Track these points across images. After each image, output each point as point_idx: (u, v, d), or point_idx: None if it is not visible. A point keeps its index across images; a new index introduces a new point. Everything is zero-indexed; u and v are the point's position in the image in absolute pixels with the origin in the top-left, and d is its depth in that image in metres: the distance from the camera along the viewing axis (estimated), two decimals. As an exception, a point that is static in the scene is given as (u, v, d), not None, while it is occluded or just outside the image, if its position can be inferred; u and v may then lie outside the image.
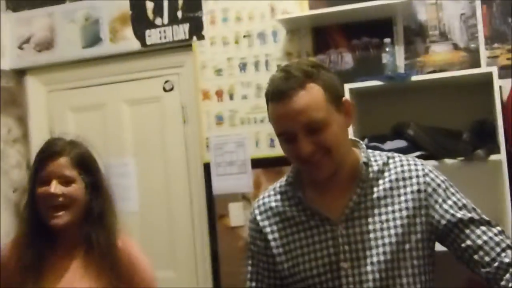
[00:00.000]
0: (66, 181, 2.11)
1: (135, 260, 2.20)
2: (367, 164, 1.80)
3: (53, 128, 4.35)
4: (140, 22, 4.11)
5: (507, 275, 1.66)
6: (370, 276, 1.73)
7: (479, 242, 1.71)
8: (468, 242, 1.71)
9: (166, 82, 4.14)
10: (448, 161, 3.17)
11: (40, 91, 4.38)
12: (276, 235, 1.86)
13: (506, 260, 1.67)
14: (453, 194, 1.78)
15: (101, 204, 2.17)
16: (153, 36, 4.09)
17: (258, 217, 1.91)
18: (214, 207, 3.95)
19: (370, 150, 1.87)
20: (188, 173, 4.09)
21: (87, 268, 2.13)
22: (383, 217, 1.76)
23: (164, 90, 4.14)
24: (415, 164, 1.82)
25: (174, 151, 4.13)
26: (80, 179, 2.14)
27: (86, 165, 2.18)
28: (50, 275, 2.13)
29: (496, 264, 1.68)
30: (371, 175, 1.80)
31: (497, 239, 1.71)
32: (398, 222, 1.74)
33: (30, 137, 4.34)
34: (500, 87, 3.32)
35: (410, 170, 1.80)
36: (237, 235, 3.89)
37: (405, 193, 1.77)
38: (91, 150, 2.24)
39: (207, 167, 3.97)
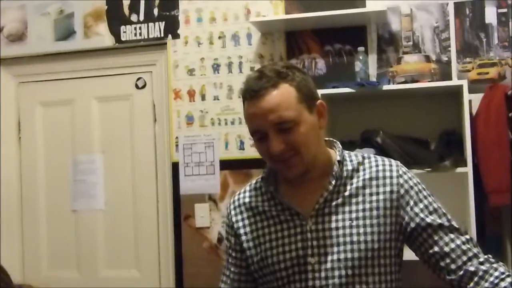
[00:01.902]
0: None
1: None
2: (341, 163, 1.81)
3: (22, 121, 4.30)
4: (115, 18, 4.08)
5: (471, 284, 1.68)
6: (336, 273, 1.74)
7: (447, 249, 1.72)
8: (436, 248, 1.73)
9: (138, 79, 4.12)
10: (415, 170, 3.18)
11: (10, 82, 4.32)
12: (248, 229, 1.89)
13: (471, 268, 1.69)
14: (425, 197, 1.79)
15: None
16: (128, 33, 4.07)
17: (232, 213, 1.95)
18: (180, 208, 3.93)
19: (347, 151, 1.89)
20: (156, 172, 4.07)
21: None
22: (353, 215, 1.77)
23: (137, 87, 4.12)
24: (390, 165, 1.83)
25: (143, 150, 4.10)
26: None
27: None
28: None
29: (461, 272, 1.70)
30: (345, 173, 1.81)
31: (464, 247, 1.73)
32: (368, 221, 1.76)
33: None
34: (470, 101, 3.36)
35: (384, 170, 1.81)
36: (202, 236, 3.88)
37: (377, 193, 1.78)
38: None
39: (175, 166, 3.95)
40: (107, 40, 4.10)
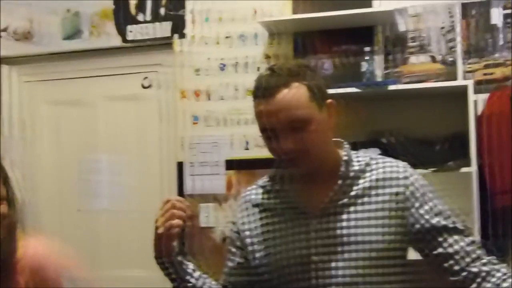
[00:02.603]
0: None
1: (37, 264, 2.15)
2: (348, 163, 1.82)
3: (27, 120, 4.31)
4: (122, 17, 4.10)
5: (474, 285, 1.69)
6: (340, 272, 1.74)
7: (450, 250, 1.72)
8: (440, 250, 1.73)
9: (145, 78, 4.13)
10: (420, 171, 3.18)
11: (15, 81, 4.34)
12: (253, 225, 1.89)
13: (474, 270, 1.70)
14: (430, 199, 1.79)
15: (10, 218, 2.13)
16: (134, 32, 4.08)
17: (238, 210, 1.96)
18: (185, 207, 3.93)
19: (354, 151, 1.89)
20: (161, 172, 4.08)
21: None
22: (359, 215, 1.77)
23: (143, 87, 4.13)
24: (397, 167, 1.83)
25: (148, 149, 4.11)
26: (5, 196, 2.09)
27: (8, 182, 2.13)
28: None
29: (464, 273, 1.70)
30: (352, 174, 1.81)
31: (468, 249, 1.73)
32: (373, 222, 1.76)
33: (1, 127, 4.28)
34: (475, 101, 3.37)
35: (391, 172, 1.81)
36: (206, 236, 3.88)
37: (384, 194, 1.78)
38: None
39: (180, 166, 3.96)
40: (114, 39, 4.11)
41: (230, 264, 1.96)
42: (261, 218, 1.88)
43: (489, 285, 1.67)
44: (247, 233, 1.90)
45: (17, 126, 4.27)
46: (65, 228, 4.21)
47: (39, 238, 2.18)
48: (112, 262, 4.15)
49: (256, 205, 1.91)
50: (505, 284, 1.66)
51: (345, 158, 1.82)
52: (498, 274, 1.68)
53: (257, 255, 1.86)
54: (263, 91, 1.73)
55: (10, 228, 2.08)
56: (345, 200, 1.79)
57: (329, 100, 1.80)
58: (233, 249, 1.95)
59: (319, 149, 1.75)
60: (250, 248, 1.88)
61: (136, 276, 4.06)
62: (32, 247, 2.12)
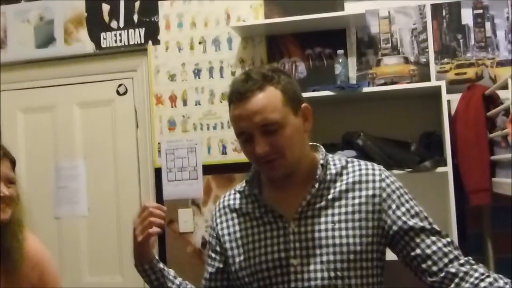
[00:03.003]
0: (10, 182, 2.16)
1: (40, 260, 2.25)
2: (324, 166, 1.84)
3: (3, 128, 4.28)
4: (95, 24, 4.09)
5: (452, 285, 1.71)
6: (319, 274, 1.75)
7: (428, 251, 1.75)
8: (418, 251, 1.76)
9: (120, 85, 4.12)
10: (396, 171, 3.22)
11: (-10, 90, 4.31)
12: (231, 229, 1.91)
13: (452, 270, 1.72)
14: (407, 201, 1.81)
15: (18, 211, 2.21)
16: (108, 39, 4.07)
17: (216, 214, 1.97)
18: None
19: (330, 155, 1.91)
20: (139, 178, 4.08)
21: None
22: (336, 218, 1.79)
23: (118, 93, 4.12)
24: (373, 169, 1.86)
25: (125, 155, 4.10)
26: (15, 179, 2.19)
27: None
28: None
29: (442, 274, 1.72)
30: (328, 177, 1.83)
31: (445, 250, 1.75)
32: (350, 224, 1.78)
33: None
34: (449, 101, 3.41)
35: (367, 174, 1.84)
36: (186, 241, 3.89)
37: (360, 196, 1.80)
38: None
39: (158, 172, 3.96)
40: (88, 46, 4.10)
41: (210, 269, 1.97)
42: (239, 223, 1.90)
43: (467, 285, 1.69)
44: (226, 238, 1.91)
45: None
46: (43, 235, 4.14)
47: (31, 235, 2.30)
48: (91, 269, 4.14)
49: (234, 210, 1.93)
50: (482, 284, 1.67)
51: (321, 161, 1.84)
52: (476, 274, 1.70)
53: (237, 259, 1.87)
54: (238, 95, 1.75)
55: (20, 215, 2.20)
56: (323, 203, 1.81)
57: (303, 104, 1.82)
58: (213, 254, 1.96)
59: (295, 151, 1.77)
60: (229, 252, 1.89)
61: (114, 282, 4.05)
62: (30, 242, 2.25)
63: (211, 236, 1.97)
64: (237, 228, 1.90)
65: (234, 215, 1.92)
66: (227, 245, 1.90)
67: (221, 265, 1.94)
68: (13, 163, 2.21)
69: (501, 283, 1.67)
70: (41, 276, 2.24)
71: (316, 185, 1.81)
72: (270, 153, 1.74)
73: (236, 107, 1.76)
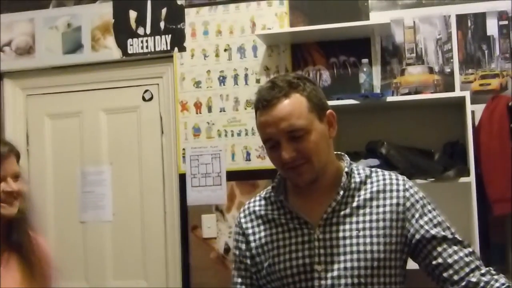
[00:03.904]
0: (16, 177, 2.21)
1: (46, 253, 2.32)
2: (349, 175, 1.87)
3: (30, 133, 4.34)
4: (122, 31, 4.14)
5: (473, 294, 1.73)
6: (342, 281, 1.78)
7: (450, 260, 1.76)
8: (439, 260, 1.77)
9: (145, 91, 4.17)
10: (419, 181, 3.22)
11: (18, 95, 4.37)
12: (257, 236, 1.93)
13: (474, 279, 1.73)
14: (430, 211, 1.84)
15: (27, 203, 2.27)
16: (134, 46, 4.12)
17: (242, 220, 1.99)
18: (187, 218, 3.97)
19: (355, 164, 1.94)
20: (164, 184, 4.11)
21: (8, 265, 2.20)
22: (360, 226, 1.81)
23: (144, 99, 4.17)
24: (397, 179, 1.88)
25: (150, 161, 4.14)
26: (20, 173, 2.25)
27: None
28: None
29: (463, 283, 1.74)
30: (353, 185, 1.86)
31: (467, 259, 1.77)
32: (374, 232, 1.80)
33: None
34: (473, 111, 3.40)
35: (391, 184, 1.86)
36: (209, 247, 3.91)
37: (384, 205, 1.83)
38: None
39: (182, 178, 4.00)
40: (115, 53, 4.15)
41: (243, 273, 1.97)
42: (265, 229, 1.92)
43: (488, 294, 1.71)
44: (253, 244, 1.93)
45: (20, 139, 4.29)
46: (67, 240, 4.22)
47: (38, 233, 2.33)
48: (115, 273, 4.17)
49: (259, 217, 1.95)
50: (503, 293, 1.69)
51: (346, 169, 1.87)
52: (497, 284, 1.72)
53: (264, 265, 1.89)
54: (264, 102, 1.78)
55: (27, 209, 2.25)
56: (347, 211, 1.83)
57: (328, 110, 1.85)
58: (244, 260, 1.97)
59: (320, 157, 1.80)
60: (257, 259, 1.92)
61: (138, 287, 4.08)
62: (37, 237, 2.29)
63: (240, 241, 1.98)
64: (262, 234, 1.92)
65: (260, 221, 1.95)
66: (254, 251, 1.92)
67: (253, 270, 1.95)
68: (18, 157, 2.26)
69: (521, 292, 1.69)
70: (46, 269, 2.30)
71: (341, 193, 1.84)
72: (297, 159, 1.77)
73: (263, 114, 1.79)
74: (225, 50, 3.97)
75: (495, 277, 1.75)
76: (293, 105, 1.76)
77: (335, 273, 1.78)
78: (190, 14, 4.02)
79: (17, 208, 2.19)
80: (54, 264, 2.36)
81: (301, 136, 1.76)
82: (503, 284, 1.72)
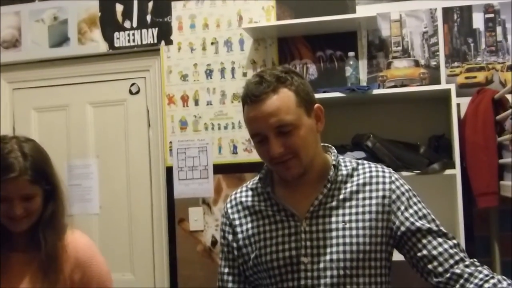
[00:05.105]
0: (27, 198, 2.10)
1: (83, 261, 2.24)
2: (336, 167, 1.88)
3: (17, 127, 4.33)
4: (109, 24, 4.13)
5: (457, 286, 1.74)
6: (328, 273, 1.79)
7: (435, 252, 1.78)
8: (424, 252, 1.79)
9: (132, 84, 4.16)
10: (404, 173, 3.24)
11: (4, 89, 4.35)
12: (244, 227, 1.94)
13: (458, 271, 1.75)
14: (415, 203, 1.85)
15: (54, 206, 2.19)
16: (121, 39, 4.11)
17: (229, 211, 1.99)
18: (174, 211, 3.98)
19: (341, 156, 1.95)
20: (150, 177, 4.11)
21: (31, 267, 2.15)
22: (346, 218, 1.83)
23: (130, 92, 4.16)
24: (383, 171, 1.90)
25: (137, 154, 4.14)
26: (40, 191, 2.14)
27: (44, 175, 2.18)
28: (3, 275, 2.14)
29: (448, 275, 1.75)
30: (339, 177, 1.88)
31: (451, 251, 1.78)
32: (360, 224, 1.81)
33: (-9, 134, 4.29)
34: (458, 104, 3.43)
35: (377, 176, 1.88)
36: (196, 240, 3.92)
37: (370, 197, 1.84)
38: (44, 152, 2.27)
39: (169, 171, 4.00)
40: (101, 46, 4.14)
41: (230, 263, 1.98)
42: (252, 221, 1.93)
43: (471, 286, 1.72)
44: (240, 235, 1.94)
45: (6, 132, 4.26)
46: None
47: (76, 232, 2.30)
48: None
49: (246, 208, 1.96)
50: (486, 285, 1.70)
51: (333, 162, 1.88)
52: (480, 276, 1.73)
53: (251, 256, 1.90)
54: (252, 98, 1.78)
55: (52, 218, 2.17)
56: (334, 203, 1.85)
57: (316, 104, 1.86)
58: (231, 250, 1.97)
59: (308, 152, 1.81)
60: (244, 250, 1.92)
61: (125, 280, 4.08)
62: (74, 238, 2.25)
63: (227, 232, 1.99)
64: (249, 225, 1.93)
65: (247, 212, 1.95)
66: (241, 242, 1.93)
67: (240, 260, 1.96)
68: (34, 177, 2.10)
69: (504, 284, 1.70)
70: (83, 277, 2.22)
71: (328, 185, 1.85)
72: (285, 154, 1.78)
73: (251, 109, 1.79)
74: (212, 43, 3.97)
75: (479, 268, 1.76)
76: (281, 100, 1.77)
77: (321, 265, 1.80)
78: (177, 8, 4.02)
79: (27, 225, 2.12)
80: (97, 271, 2.30)
81: (289, 131, 1.77)
82: (486, 276, 1.73)
